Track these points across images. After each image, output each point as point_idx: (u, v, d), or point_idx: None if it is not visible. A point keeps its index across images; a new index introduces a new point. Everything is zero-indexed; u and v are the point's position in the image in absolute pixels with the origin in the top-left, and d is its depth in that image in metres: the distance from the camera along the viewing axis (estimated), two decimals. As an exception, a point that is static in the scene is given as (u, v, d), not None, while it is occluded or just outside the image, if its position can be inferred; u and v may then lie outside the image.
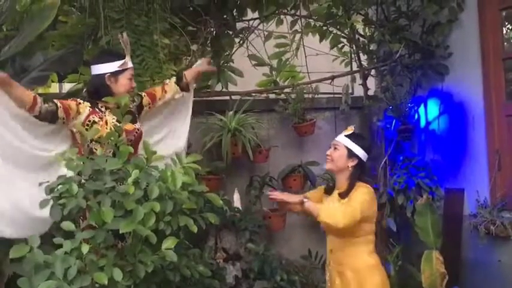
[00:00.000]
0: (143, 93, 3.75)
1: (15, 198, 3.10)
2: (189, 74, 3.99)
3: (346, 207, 3.34)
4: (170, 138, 3.97)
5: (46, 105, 3.15)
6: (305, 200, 3.38)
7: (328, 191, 3.65)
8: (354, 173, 3.48)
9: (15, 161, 3.11)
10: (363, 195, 3.41)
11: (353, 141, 3.51)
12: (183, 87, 3.93)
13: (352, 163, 3.48)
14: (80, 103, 3.35)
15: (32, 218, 3.09)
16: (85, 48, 4.37)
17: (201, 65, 4.15)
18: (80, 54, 4.31)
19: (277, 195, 3.57)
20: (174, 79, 3.93)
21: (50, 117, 3.19)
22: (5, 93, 3.03)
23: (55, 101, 3.23)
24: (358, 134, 3.63)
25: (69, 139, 3.40)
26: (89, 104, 3.38)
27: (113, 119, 3.39)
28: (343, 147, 3.51)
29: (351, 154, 3.49)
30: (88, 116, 3.33)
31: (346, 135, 3.54)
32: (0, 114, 3.05)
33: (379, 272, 3.46)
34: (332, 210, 3.36)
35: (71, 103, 3.31)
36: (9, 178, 3.09)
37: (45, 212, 2.78)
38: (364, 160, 3.53)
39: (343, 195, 3.48)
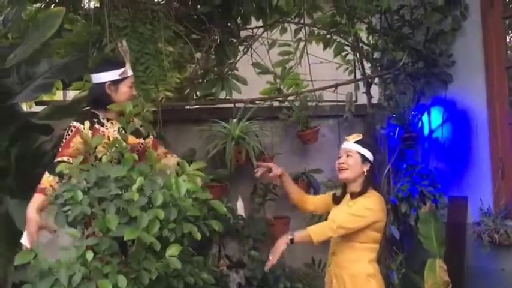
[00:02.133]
0: (151, 137, 3.69)
1: None
2: None
3: (334, 219, 3.42)
4: None
5: (59, 182, 3.07)
6: (292, 237, 3.33)
7: (336, 201, 3.68)
8: (367, 178, 3.53)
9: None
10: (367, 204, 3.45)
11: (363, 147, 3.55)
12: None
13: (366, 167, 3.52)
14: (81, 131, 3.27)
15: None
16: (90, 56, 4.39)
17: None
18: (85, 62, 4.32)
19: (272, 262, 3.34)
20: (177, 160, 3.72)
21: None
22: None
23: (65, 159, 3.14)
24: (364, 139, 3.66)
25: None
26: (88, 124, 3.32)
27: (114, 131, 3.38)
28: (355, 153, 3.54)
29: (364, 159, 3.53)
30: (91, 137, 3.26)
31: (355, 142, 3.57)
32: None
33: (376, 281, 3.47)
34: (320, 227, 3.42)
35: (76, 141, 3.23)
36: None
37: None
38: (374, 164, 3.59)
39: (354, 196, 3.53)
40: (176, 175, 3.06)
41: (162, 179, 2.87)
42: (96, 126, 3.35)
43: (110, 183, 2.80)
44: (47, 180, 3.12)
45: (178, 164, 3.62)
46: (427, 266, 4.33)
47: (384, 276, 3.71)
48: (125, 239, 2.64)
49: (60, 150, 3.27)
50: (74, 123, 3.32)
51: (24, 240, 3.01)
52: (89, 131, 3.30)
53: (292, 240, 3.32)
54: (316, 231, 3.36)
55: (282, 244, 3.32)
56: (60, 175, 3.06)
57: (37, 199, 3.05)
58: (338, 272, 3.51)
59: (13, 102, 4.17)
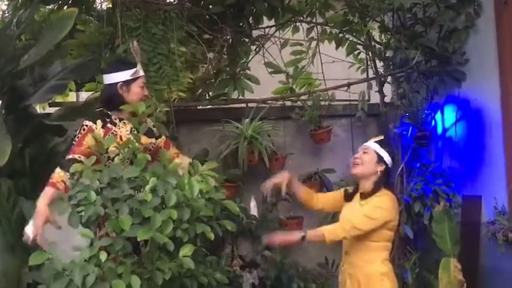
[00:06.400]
0: (164, 136, 3.67)
1: None
2: None
3: (349, 220, 3.43)
4: None
5: (70, 179, 3.08)
6: (304, 234, 3.33)
7: (348, 198, 3.67)
8: (380, 179, 3.52)
9: None
10: (379, 203, 3.45)
11: (382, 147, 3.57)
12: None
13: (380, 168, 3.52)
14: (93, 130, 3.29)
15: None
16: (102, 56, 4.41)
17: None
18: (98, 63, 4.35)
19: (275, 240, 3.44)
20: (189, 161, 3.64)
21: None
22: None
23: (77, 157, 3.15)
24: (384, 141, 3.67)
25: None
26: (100, 123, 3.33)
27: (127, 131, 3.38)
28: (372, 151, 3.56)
29: (380, 159, 3.54)
30: (103, 137, 3.26)
31: (375, 141, 3.60)
32: None
33: (389, 280, 3.48)
34: (334, 228, 3.44)
35: (88, 139, 3.23)
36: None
37: None
38: (390, 167, 3.59)
39: (365, 196, 3.53)
40: (189, 174, 3.08)
41: (175, 179, 2.88)
42: (109, 125, 3.36)
43: (123, 183, 2.81)
44: (59, 175, 3.13)
45: (190, 164, 3.63)
46: (441, 265, 4.31)
47: (398, 276, 3.70)
48: (138, 240, 2.65)
49: (72, 147, 3.29)
50: (87, 122, 3.34)
51: (28, 230, 3.00)
52: (101, 130, 3.31)
53: (303, 238, 3.32)
54: (330, 231, 3.38)
55: (291, 239, 3.37)
56: (72, 173, 3.06)
57: (48, 192, 3.06)
58: (352, 271, 3.51)
59: (27, 103, 4.19)
